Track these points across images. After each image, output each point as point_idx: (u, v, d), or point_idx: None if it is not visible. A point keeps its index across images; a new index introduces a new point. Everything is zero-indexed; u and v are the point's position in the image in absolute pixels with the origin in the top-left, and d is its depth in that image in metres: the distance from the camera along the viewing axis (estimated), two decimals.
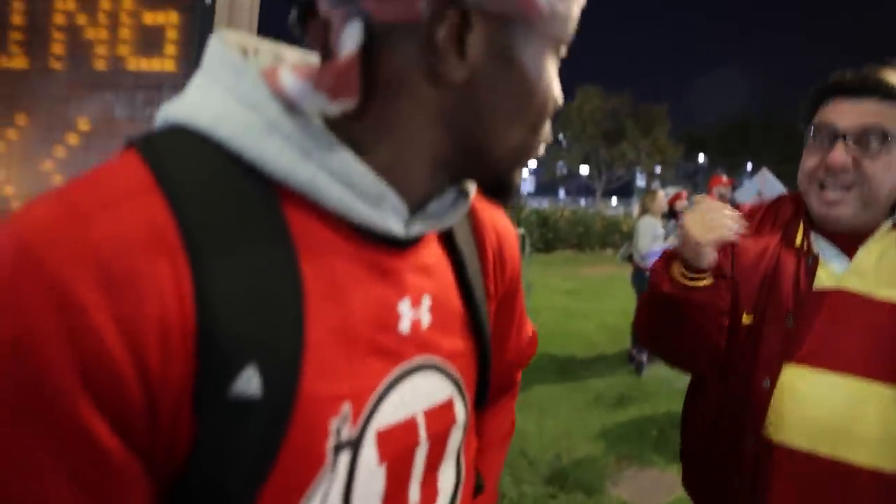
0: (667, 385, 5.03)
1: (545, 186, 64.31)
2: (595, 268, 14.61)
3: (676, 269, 1.21)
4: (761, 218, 1.33)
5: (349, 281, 0.52)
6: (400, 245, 0.57)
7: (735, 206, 1.39)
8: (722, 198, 6.73)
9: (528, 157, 0.59)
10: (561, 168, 51.60)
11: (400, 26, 0.50)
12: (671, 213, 6.49)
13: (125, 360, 0.40)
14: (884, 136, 1.13)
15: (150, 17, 1.62)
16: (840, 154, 1.15)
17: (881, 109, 1.15)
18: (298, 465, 0.47)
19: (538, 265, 13.31)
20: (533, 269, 8.76)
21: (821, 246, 1.23)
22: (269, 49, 0.58)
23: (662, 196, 6.33)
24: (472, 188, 0.63)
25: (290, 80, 0.49)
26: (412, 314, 0.58)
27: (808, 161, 1.22)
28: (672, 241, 5.60)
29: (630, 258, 6.27)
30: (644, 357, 5.65)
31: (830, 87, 1.21)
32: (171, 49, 1.62)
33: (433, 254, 0.63)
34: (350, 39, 0.49)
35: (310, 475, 0.48)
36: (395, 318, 0.56)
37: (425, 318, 0.59)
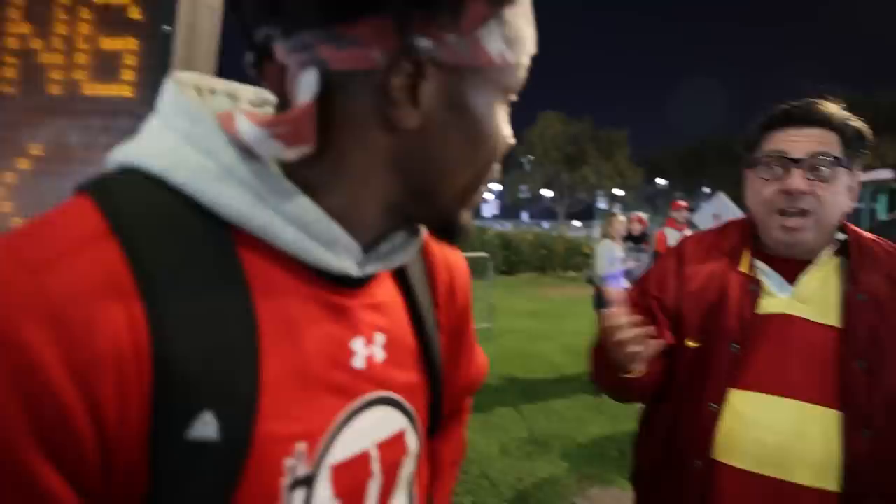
0: (627, 405, 5.06)
1: (508, 210, 64.88)
2: (557, 290, 14.76)
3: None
4: (709, 244, 1.38)
5: (303, 321, 0.53)
6: (353, 284, 0.58)
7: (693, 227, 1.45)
8: (681, 221, 6.95)
9: (475, 199, 0.60)
10: (524, 191, 52.19)
11: (356, 75, 0.50)
12: (630, 237, 6.64)
13: (78, 408, 0.40)
14: (833, 163, 1.19)
15: (108, 43, 1.62)
16: (798, 179, 1.20)
17: (826, 137, 1.21)
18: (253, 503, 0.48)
19: (501, 287, 13.38)
20: (496, 292, 8.81)
21: (765, 273, 1.28)
22: (224, 88, 0.59)
23: (621, 220, 6.47)
24: (422, 228, 0.64)
25: (246, 127, 0.50)
26: (365, 351, 0.59)
27: (766, 190, 1.25)
28: (630, 264, 5.65)
29: (591, 280, 6.39)
30: None
31: (779, 117, 1.26)
32: (128, 75, 1.62)
33: (386, 291, 0.64)
34: (307, 88, 0.50)
35: None
36: (349, 355, 0.57)
37: (379, 355, 0.60)
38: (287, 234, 0.51)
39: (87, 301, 0.42)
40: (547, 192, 50.01)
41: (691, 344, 1.28)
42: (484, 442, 4.29)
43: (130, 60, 1.61)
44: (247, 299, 0.49)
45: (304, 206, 0.52)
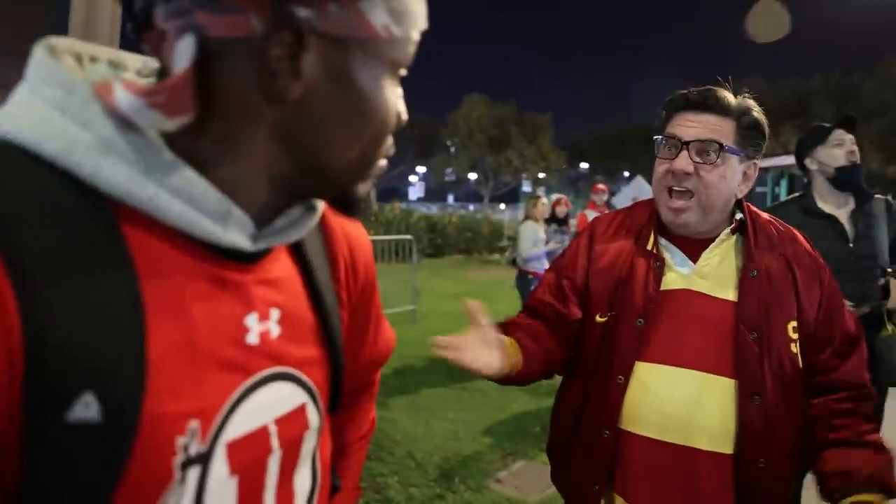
0: (548, 383, 5.20)
1: (434, 193, 64.96)
2: (482, 272, 14.93)
3: None
4: (618, 223, 1.44)
5: (193, 298, 0.52)
6: (246, 259, 0.57)
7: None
8: (601, 204, 7.20)
9: (369, 172, 0.60)
10: (449, 174, 52.37)
11: (236, 43, 0.49)
12: (553, 219, 6.80)
13: None
14: (720, 148, 1.27)
15: None
16: (683, 160, 1.28)
17: (719, 124, 1.29)
18: (144, 484, 0.47)
19: (427, 270, 13.43)
20: (421, 274, 8.84)
21: (669, 250, 1.36)
22: (108, 57, 0.56)
23: (544, 202, 6.61)
24: (319, 203, 0.64)
25: (123, 96, 0.48)
26: (260, 327, 0.58)
27: (659, 168, 1.34)
28: (552, 246, 5.76)
29: (514, 262, 6.50)
30: None
31: (677, 102, 1.34)
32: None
33: (282, 267, 0.63)
34: (184, 54, 0.49)
35: (156, 493, 0.48)
36: (243, 331, 0.56)
37: (274, 330, 0.60)
38: (174, 208, 0.49)
39: None
40: (472, 176, 50.39)
41: (599, 319, 1.34)
42: (409, 423, 4.33)
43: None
44: (130, 276, 0.47)
45: (190, 178, 0.50)
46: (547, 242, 6.20)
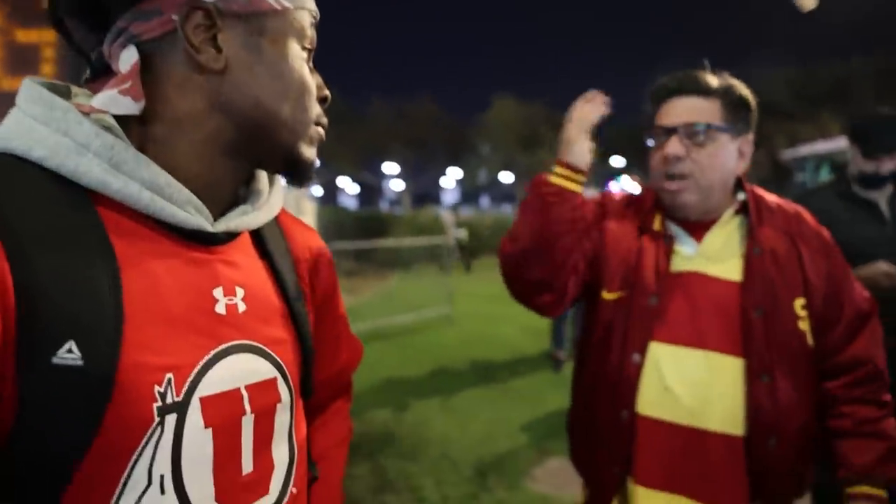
0: None
1: (469, 195, 64.90)
2: None
3: (556, 172, 1.29)
4: (626, 205, 1.45)
5: (164, 269, 0.61)
6: (210, 242, 0.65)
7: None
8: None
9: (306, 131, 0.70)
10: (482, 177, 52.35)
11: (163, 38, 0.62)
12: None
13: None
14: (707, 128, 1.28)
15: (24, 35, 1.59)
16: (674, 145, 1.29)
17: (702, 105, 1.30)
18: (126, 425, 0.54)
19: (460, 273, 13.45)
20: (455, 277, 8.86)
21: (676, 232, 1.36)
22: (83, 92, 0.68)
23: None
24: (275, 199, 0.73)
25: (99, 97, 0.60)
26: (226, 300, 0.65)
27: (654, 159, 1.35)
28: None
29: None
30: (562, 354, 5.83)
31: (660, 92, 1.36)
32: (47, 68, 1.59)
33: (246, 256, 0.71)
34: (127, 58, 0.61)
35: (138, 434, 0.55)
36: (211, 302, 0.64)
37: (241, 306, 0.67)
38: (143, 196, 0.59)
39: None
40: (506, 177, 50.25)
41: (608, 296, 1.34)
42: (444, 423, 4.35)
43: (49, 53, 1.58)
44: (107, 249, 0.56)
45: (155, 172, 0.60)
46: None
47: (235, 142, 0.66)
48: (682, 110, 1.31)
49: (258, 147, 0.68)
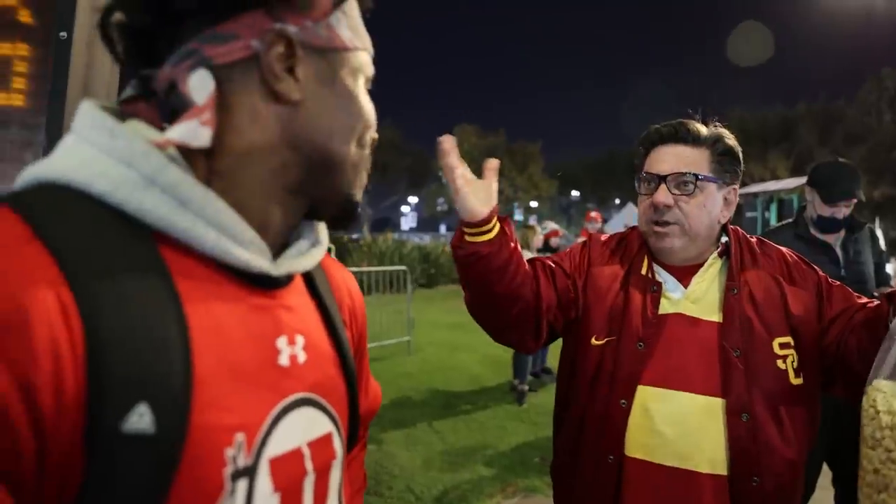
0: (546, 412, 5.18)
1: (426, 222, 65.13)
2: None
3: (464, 233, 1.24)
4: (612, 249, 1.46)
5: (230, 318, 0.56)
6: (270, 286, 0.62)
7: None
8: (595, 232, 7.20)
9: (363, 176, 0.68)
10: (441, 204, 52.68)
11: (238, 64, 0.58)
12: (546, 248, 6.81)
13: (14, 397, 0.42)
14: (696, 179, 1.31)
15: None
16: (663, 194, 1.32)
17: (692, 154, 1.33)
18: (197, 493, 0.50)
19: (420, 300, 13.39)
20: (415, 305, 8.79)
21: (662, 276, 1.38)
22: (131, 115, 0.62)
23: (539, 231, 6.63)
24: (323, 237, 0.70)
25: (177, 127, 0.54)
26: (289, 350, 0.62)
27: (643, 206, 1.38)
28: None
29: None
30: (525, 387, 5.81)
31: (652, 137, 1.39)
32: (19, 83, 1.52)
33: (300, 299, 0.68)
34: (203, 84, 0.56)
35: (210, 502, 0.51)
36: (275, 353, 0.60)
37: (301, 356, 0.63)
38: (209, 236, 0.55)
39: (20, 304, 0.43)
40: None
41: (596, 342, 1.34)
42: (407, 456, 4.27)
43: (21, 67, 1.50)
44: (174, 297, 0.51)
45: (222, 209, 0.56)
46: None
47: (300, 178, 0.63)
48: (671, 158, 1.34)
49: (321, 184, 0.65)
